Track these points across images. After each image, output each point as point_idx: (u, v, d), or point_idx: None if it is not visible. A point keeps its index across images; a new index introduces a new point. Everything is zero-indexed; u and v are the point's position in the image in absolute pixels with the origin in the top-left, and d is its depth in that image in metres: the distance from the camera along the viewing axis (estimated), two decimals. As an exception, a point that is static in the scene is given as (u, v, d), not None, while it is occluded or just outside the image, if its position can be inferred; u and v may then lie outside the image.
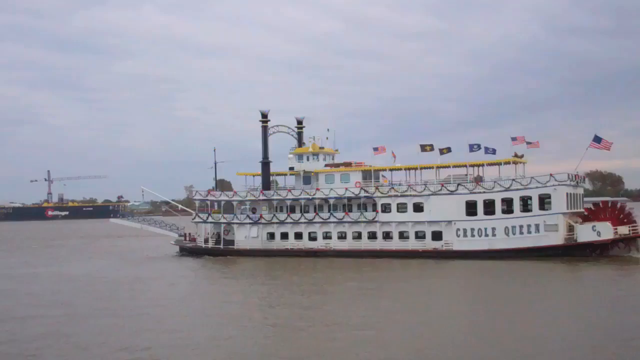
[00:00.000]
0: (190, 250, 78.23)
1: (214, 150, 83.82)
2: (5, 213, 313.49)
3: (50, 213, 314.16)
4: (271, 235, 74.09)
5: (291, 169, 77.52)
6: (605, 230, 59.26)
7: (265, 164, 78.12)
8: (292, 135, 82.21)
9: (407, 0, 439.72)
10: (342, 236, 70.42)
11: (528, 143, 66.72)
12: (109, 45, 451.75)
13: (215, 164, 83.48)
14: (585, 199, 68.75)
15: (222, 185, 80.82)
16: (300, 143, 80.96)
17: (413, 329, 31.78)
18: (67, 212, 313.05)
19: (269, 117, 78.65)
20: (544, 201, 61.74)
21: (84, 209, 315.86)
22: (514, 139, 66.68)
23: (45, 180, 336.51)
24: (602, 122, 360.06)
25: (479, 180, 66.89)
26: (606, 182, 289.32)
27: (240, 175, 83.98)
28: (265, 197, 75.13)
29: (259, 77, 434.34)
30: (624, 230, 59.70)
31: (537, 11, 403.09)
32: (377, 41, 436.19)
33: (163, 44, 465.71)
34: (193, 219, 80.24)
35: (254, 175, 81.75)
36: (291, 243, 72.72)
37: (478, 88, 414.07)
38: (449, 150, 69.00)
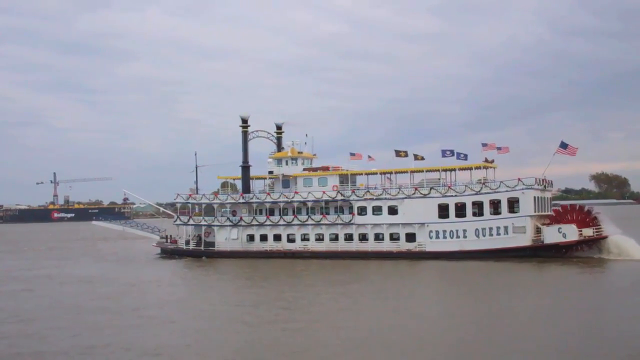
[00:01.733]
0: (171, 252, 79.95)
1: (195, 155, 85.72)
2: (11, 215, 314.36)
3: (56, 215, 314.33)
4: (251, 237, 76.04)
5: (270, 172, 79.69)
6: (570, 232, 61.83)
7: (245, 168, 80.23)
8: (272, 140, 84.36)
9: (411, 3, 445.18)
10: (319, 238, 72.55)
11: (498, 149, 69.34)
12: (114, 47, 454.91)
13: (197, 167, 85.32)
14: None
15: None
16: (280, 148, 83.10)
17: (393, 326, 33.25)
18: (72, 214, 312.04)
19: (249, 122, 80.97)
20: (513, 204, 64.35)
21: (90, 210, 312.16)
22: (484, 144, 69.27)
23: (51, 182, 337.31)
24: (607, 123, 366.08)
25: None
26: (612, 184, 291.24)
27: (221, 178, 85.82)
28: (245, 200, 77.13)
29: (263, 79, 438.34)
30: (588, 232, 62.27)
31: (541, 13, 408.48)
32: (382, 43, 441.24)
33: (168, 46, 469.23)
34: (175, 222, 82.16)
35: (233, 179, 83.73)
36: (270, 245, 74.73)
37: (482, 90, 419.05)
38: (422, 158, 71.70)
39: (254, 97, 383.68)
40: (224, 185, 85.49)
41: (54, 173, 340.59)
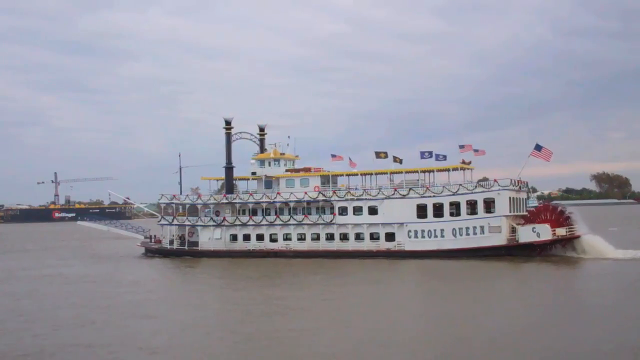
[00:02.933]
0: (155, 252, 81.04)
1: (179, 156, 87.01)
2: (12, 215, 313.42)
3: (56, 215, 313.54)
4: (234, 237, 77.37)
5: (253, 173, 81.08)
6: (544, 232, 63.79)
7: (229, 168, 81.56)
8: (255, 141, 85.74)
9: (413, 3, 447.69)
10: (301, 237, 74.04)
11: (475, 151, 71.30)
12: (115, 47, 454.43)
13: (180, 168, 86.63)
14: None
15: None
16: (262, 149, 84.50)
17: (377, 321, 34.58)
18: (73, 214, 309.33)
19: (232, 124, 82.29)
20: (489, 205, 66.17)
21: (91, 210, 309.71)
22: (461, 146, 71.15)
23: (52, 182, 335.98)
24: (608, 123, 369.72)
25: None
26: (613, 184, 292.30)
27: (205, 179, 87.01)
28: (228, 201, 78.43)
29: (264, 79, 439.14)
30: (562, 231, 64.18)
31: (542, 13, 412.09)
32: (383, 43, 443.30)
33: (169, 46, 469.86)
34: (159, 222, 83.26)
35: (217, 180, 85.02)
36: (253, 244, 76.08)
37: (483, 90, 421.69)
38: (401, 161, 73.47)
39: (255, 96, 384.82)
40: (223, 186, 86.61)
41: (55, 173, 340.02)
